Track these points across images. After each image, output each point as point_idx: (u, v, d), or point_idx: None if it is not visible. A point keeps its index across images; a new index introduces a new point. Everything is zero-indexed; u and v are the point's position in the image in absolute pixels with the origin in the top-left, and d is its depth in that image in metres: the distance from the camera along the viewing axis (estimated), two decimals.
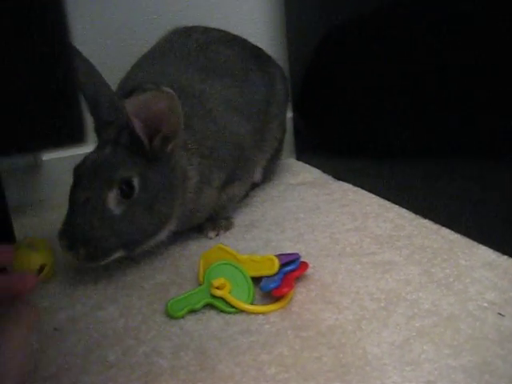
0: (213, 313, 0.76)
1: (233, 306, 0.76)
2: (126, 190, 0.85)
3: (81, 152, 1.30)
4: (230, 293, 0.77)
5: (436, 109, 0.94)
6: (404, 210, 1.04)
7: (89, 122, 0.92)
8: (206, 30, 1.17)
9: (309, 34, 1.30)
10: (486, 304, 0.72)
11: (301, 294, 0.79)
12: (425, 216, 1.00)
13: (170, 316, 0.76)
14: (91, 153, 0.91)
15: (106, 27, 1.27)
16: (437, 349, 0.64)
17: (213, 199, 1.00)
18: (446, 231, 0.94)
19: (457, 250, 0.87)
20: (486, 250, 0.86)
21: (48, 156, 1.30)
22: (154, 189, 0.87)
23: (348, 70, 1.18)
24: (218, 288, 0.77)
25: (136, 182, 0.85)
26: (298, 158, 1.44)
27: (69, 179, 1.30)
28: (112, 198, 0.84)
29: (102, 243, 0.83)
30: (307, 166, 1.38)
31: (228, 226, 1.04)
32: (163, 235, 0.91)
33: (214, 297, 0.77)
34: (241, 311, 0.76)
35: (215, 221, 1.03)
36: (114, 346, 0.71)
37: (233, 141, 1.02)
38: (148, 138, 0.85)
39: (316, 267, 0.86)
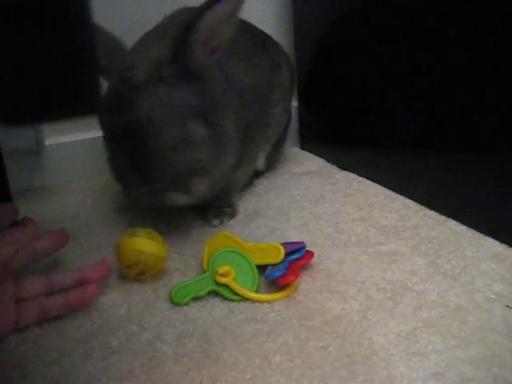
0: (217, 300, 0.76)
1: (237, 294, 0.75)
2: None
3: (83, 137, 1.31)
4: (234, 280, 0.76)
5: (443, 99, 0.93)
6: (409, 201, 1.03)
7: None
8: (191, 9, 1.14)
9: (315, 22, 1.28)
10: (493, 296, 0.71)
11: (306, 283, 0.78)
12: (430, 207, 0.99)
13: (174, 303, 0.75)
14: None
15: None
16: (444, 340, 0.64)
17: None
18: (452, 223, 0.93)
19: (463, 242, 0.86)
20: (493, 242, 0.85)
21: (50, 141, 1.29)
22: (201, 109, 0.86)
23: (354, 59, 1.17)
24: (222, 275, 0.76)
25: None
26: (302, 148, 1.43)
27: (71, 165, 1.31)
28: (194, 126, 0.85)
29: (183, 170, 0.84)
30: (311, 155, 1.37)
31: (232, 214, 1.02)
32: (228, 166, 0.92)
33: (218, 284, 0.76)
34: (245, 299, 0.75)
35: (219, 208, 1.02)
36: (117, 332, 0.71)
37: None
38: (202, 45, 0.84)
39: (321, 256, 0.85)
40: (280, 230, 0.95)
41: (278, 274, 0.76)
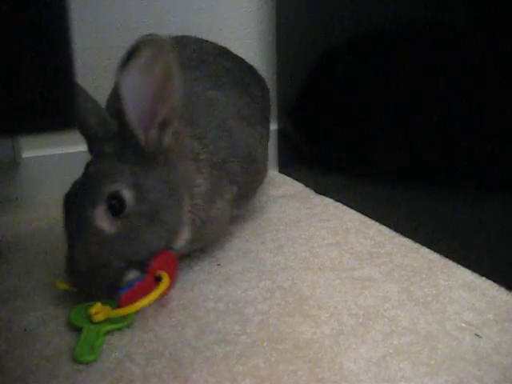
0: (189, 320, 0.75)
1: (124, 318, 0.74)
2: (117, 206, 0.75)
3: (61, 152, 1.30)
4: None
5: (418, 128, 0.95)
6: (384, 228, 1.05)
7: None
8: (199, 41, 1.14)
9: (298, 46, 1.30)
10: (463, 324, 0.72)
11: (279, 305, 0.78)
12: (405, 234, 1.00)
13: (85, 362, 0.67)
14: (78, 178, 0.82)
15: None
16: (414, 367, 0.64)
17: (225, 213, 0.93)
18: (425, 250, 0.94)
19: (436, 270, 0.87)
20: (465, 270, 0.86)
21: (27, 153, 1.27)
22: (154, 197, 0.77)
23: (334, 85, 1.18)
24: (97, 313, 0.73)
25: (127, 194, 0.75)
26: (281, 171, 1.44)
27: (48, 178, 1.30)
28: (100, 217, 0.75)
29: (108, 272, 0.74)
30: (289, 178, 1.38)
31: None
32: (178, 246, 0.84)
33: (100, 323, 0.72)
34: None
35: None
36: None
37: (245, 153, 0.97)
38: (143, 129, 0.77)
39: (295, 280, 0.85)
40: (254, 252, 0.95)
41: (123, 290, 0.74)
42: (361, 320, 0.74)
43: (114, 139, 0.80)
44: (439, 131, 0.90)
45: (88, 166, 0.81)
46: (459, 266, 0.88)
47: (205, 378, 0.63)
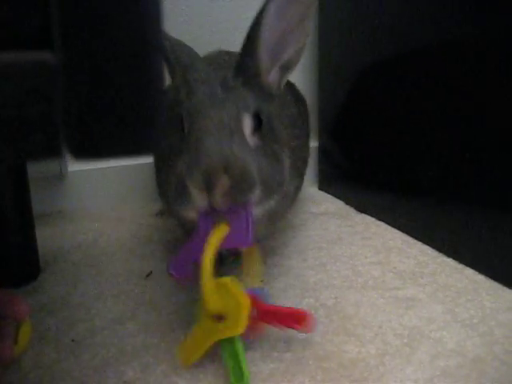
0: None
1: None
2: (257, 122, 0.71)
3: (107, 165, 1.33)
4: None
5: (467, 148, 0.94)
6: (427, 247, 1.04)
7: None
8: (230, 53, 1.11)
9: (339, 64, 1.31)
10: None
11: (323, 324, 0.78)
12: (448, 255, 0.99)
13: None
14: (200, 93, 0.72)
15: None
16: None
17: (287, 201, 0.87)
18: (470, 271, 0.93)
19: (481, 292, 0.86)
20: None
21: (73, 167, 1.30)
22: (273, 132, 0.75)
23: (376, 103, 1.18)
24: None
25: (262, 115, 0.73)
26: (321, 188, 1.44)
27: (93, 192, 1.33)
28: (248, 125, 0.70)
29: (246, 176, 0.65)
30: (329, 196, 1.38)
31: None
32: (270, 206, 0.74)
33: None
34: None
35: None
36: (132, 362, 0.71)
37: (305, 156, 0.97)
38: (267, 68, 0.75)
39: (338, 298, 0.85)
40: (297, 269, 0.95)
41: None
42: (406, 340, 0.73)
43: (236, 75, 0.75)
44: (485, 153, 0.90)
45: (211, 95, 0.72)
46: (505, 288, 0.86)
47: None
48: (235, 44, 0.82)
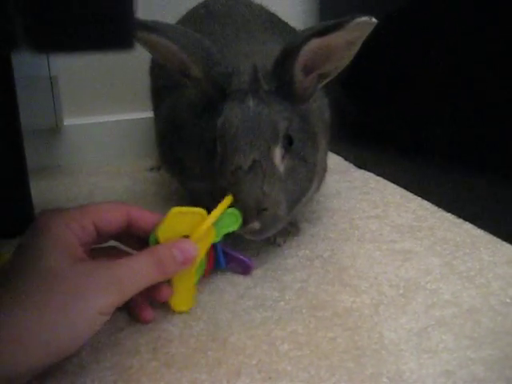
0: (227, 286, 0.75)
1: None
2: (286, 142, 0.73)
3: (102, 120, 1.31)
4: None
5: (466, 105, 0.92)
6: (426, 202, 1.02)
7: None
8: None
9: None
10: (508, 300, 0.70)
11: (318, 274, 0.77)
12: (447, 209, 0.98)
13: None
14: (233, 109, 0.74)
15: None
16: (456, 339, 0.62)
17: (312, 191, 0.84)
18: (468, 226, 0.92)
19: (480, 245, 0.85)
20: (510, 247, 0.84)
21: (69, 121, 1.29)
22: (303, 136, 0.76)
23: (377, 58, 1.15)
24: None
25: (291, 130, 0.74)
26: None
27: (88, 146, 1.31)
28: (278, 155, 0.72)
29: (276, 211, 0.70)
30: (329, 152, 1.36)
31: (296, 233, 0.90)
32: (310, 193, 0.81)
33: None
34: None
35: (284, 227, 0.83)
36: (123, 311, 0.70)
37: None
38: (303, 75, 0.75)
39: (334, 250, 0.84)
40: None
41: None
42: (401, 291, 0.73)
43: (269, 78, 0.75)
44: (486, 109, 0.87)
45: (242, 100, 0.74)
46: (504, 242, 0.85)
47: (243, 341, 0.63)
48: None
